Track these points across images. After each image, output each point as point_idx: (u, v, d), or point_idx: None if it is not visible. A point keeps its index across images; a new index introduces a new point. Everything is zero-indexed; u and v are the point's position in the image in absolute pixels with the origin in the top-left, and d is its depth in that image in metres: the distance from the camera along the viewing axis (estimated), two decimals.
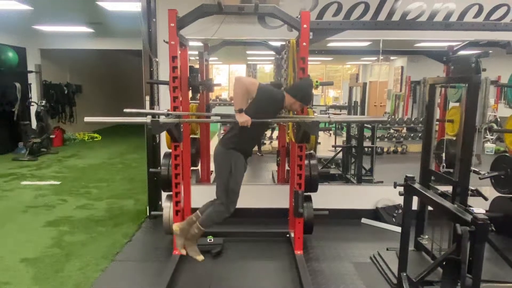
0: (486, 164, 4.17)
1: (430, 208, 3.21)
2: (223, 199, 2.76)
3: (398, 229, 3.74)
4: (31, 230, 3.90)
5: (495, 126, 6.09)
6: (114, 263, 3.22)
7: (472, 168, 2.93)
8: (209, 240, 3.44)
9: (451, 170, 3.29)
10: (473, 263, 1.85)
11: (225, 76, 8.64)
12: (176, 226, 2.88)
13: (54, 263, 3.20)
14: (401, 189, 2.68)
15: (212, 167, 4.74)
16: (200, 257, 2.84)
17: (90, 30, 7.26)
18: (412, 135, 6.64)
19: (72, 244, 3.59)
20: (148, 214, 4.25)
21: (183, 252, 2.87)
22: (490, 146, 6.67)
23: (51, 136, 8.22)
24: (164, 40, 3.45)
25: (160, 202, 4.20)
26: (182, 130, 3.17)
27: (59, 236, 3.77)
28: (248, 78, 2.72)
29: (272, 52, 4.47)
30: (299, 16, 2.94)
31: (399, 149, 6.76)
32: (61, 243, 3.61)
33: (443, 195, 2.97)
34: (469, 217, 1.92)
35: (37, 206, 4.62)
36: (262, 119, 2.70)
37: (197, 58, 4.42)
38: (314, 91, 5.79)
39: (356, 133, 5.16)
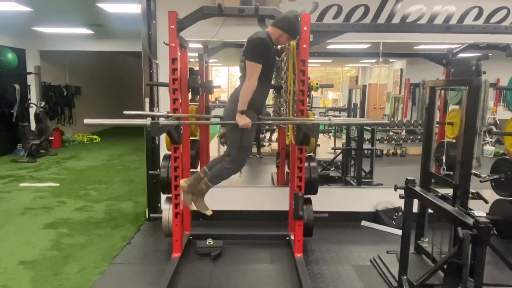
0: (486, 167, 4.17)
1: (430, 211, 3.21)
2: (235, 155, 2.78)
3: (398, 231, 3.75)
4: (30, 232, 3.88)
5: (494, 129, 6.10)
6: (113, 266, 3.21)
7: (473, 171, 2.93)
8: (209, 242, 3.43)
9: (451, 173, 3.29)
10: (475, 267, 1.84)
11: (225, 78, 8.63)
12: (183, 182, 2.90)
13: (53, 266, 3.18)
14: (402, 192, 2.67)
15: None
16: (209, 212, 2.89)
17: (90, 31, 7.26)
18: (411, 137, 6.64)
19: (70, 246, 3.58)
20: (147, 216, 4.24)
21: (191, 207, 2.91)
22: (489, 148, 6.66)
23: (50, 138, 8.19)
24: (164, 42, 3.44)
25: (159, 204, 4.18)
26: (181, 132, 3.16)
27: (58, 238, 3.75)
28: (251, 73, 2.66)
29: None
30: (299, 19, 2.93)
31: (399, 151, 6.75)
32: (59, 245, 3.60)
33: (444, 198, 2.96)
34: (470, 221, 1.91)
35: (35, 208, 4.60)
36: (267, 71, 2.69)
37: (197, 60, 4.41)
38: (314, 93, 5.80)
39: (356, 135, 5.16)
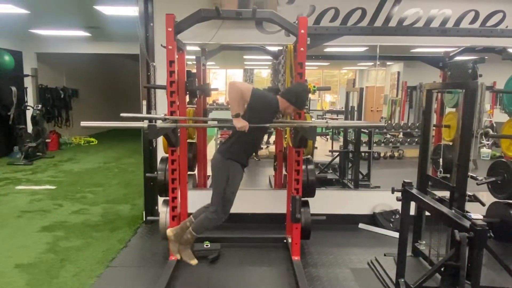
0: (482, 170, 4.18)
1: (427, 213, 3.22)
2: (217, 207, 2.77)
3: (396, 234, 3.74)
4: (26, 236, 3.86)
5: (491, 132, 6.12)
6: (109, 269, 3.19)
7: (470, 174, 2.94)
8: (206, 245, 3.42)
9: (448, 175, 3.30)
10: (472, 270, 1.84)
11: (222, 81, 8.64)
12: (170, 232, 2.91)
13: (49, 269, 3.17)
14: (399, 194, 2.67)
15: (209, 171, 4.74)
16: (194, 261, 2.88)
17: (87, 34, 7.25)
18: (408, 140, 6.65)
19: (67, 249, 3.56)
20: (144, 219, 4.22)
21: (178, 257, 2.91)
22: (486, 151, 6.70)
23: (46, 140, 8.16)
24: (161, 45, 3.44)
25: (156, 207, 4.17)
26: (179, 134, 3.16)
27: (54, 241, 3.73)
28: (242, 82, 2.73)
29: (270, 57, 4.47)
30: (296, 22, 2.94)
31: (396, 154, 6.76)
32: (56, 248, 3.58)
33: (441, 200, 2.97)
34: (467, 223, 1.91)
35: (32, 211, 4.58)
36: (258, 128, 2.71)
37: (195, 62, 4.42)
38: (311, 96, 5.82)
39: (353, 138, 5.17)
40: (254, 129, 2.68)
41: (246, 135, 2.67)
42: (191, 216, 2.92)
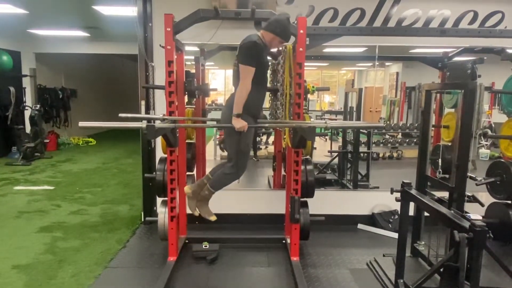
0: (481, 170, 4.19)
1: (426, 214, 3.21)
2: (234, 161, 2.81)
3: (395, 235, 3.75)
4: (24, 236, 3.85)
5: (489, 132, 6.13)
6: (108, 270, 3.18)
7: (469, 174, 2.93)
8: (205, 246, 3.41)
9: (447, 176, 3.30)
10: (471, 270, 1.84)
11: (221, 81, 8.63)
12: (188, 188, 2.96)
13: (47, 270, 3.15)
14: (398, 195, 2.67)
15: (208, 172, 4.73)
16: (213, 217, 2.93)
17: (86, 34, 7.24)
18: (407, 140, 6.65)
19: (65, 250, 3.55)
20: (142, 220, 4.21)
21: (196, 213, 2.95)
22: (484, 151, 6.71)
23: (45, 141, 8.14)
24: (160, 45, 3.43)
25: (155, 208, 4.16)
26: (177, 135, 3.15)
27: (52, 242, 3.72)
28: (245, 76, 2.69)
29: (269, 57, 4.46)
30: (295, 22, 2.94)
31: (395, 154, 6.77)
32: (54, 249, 3.56)
33: (440, 201, 2.97)
34: (467, 224, 1.91)
35: (30, 212, 4.56)
36: (261, 75, 2.73)
37: (193, 63, 4.41)
38: (310, 97, 5.81)
39: (352, 138, 5.17)
40: (258, 77, 2.67)
41: (252, 91, 2.64)
42: (208, 173, 2.97)
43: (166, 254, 3.27)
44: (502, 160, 3.59)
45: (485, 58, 3.47)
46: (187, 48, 3.48)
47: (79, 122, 2.63)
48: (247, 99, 2.69)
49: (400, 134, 6.57)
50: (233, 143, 2.80)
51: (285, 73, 3.34)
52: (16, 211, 4.59)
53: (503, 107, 4.16)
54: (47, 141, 8.40)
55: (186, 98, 3.45)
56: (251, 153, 6.41)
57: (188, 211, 3.31)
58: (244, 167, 2.87)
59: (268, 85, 4.13)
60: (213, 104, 6.92)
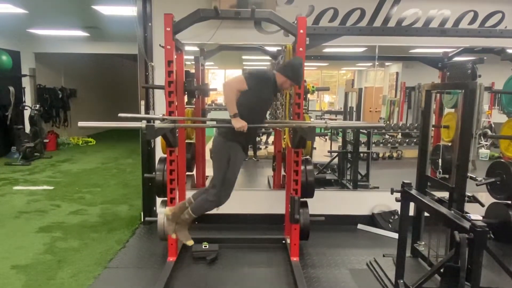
0: (481, 170, 4.19)
1: (426, 214, 3.21)
2: (218, 189, 2.77)
3: (394, 235, 3.75)
4: (23, 236, 3.84)
5: (489, 132, 6.12)
6: (107, 270, 3.17)
7: (469, 174, 2.93)
8: (204, 246, 3.40)
9: (447, 176, 3.29)
10: (472, 271, 1.84)
11: (221, 81, 8.63)
12: (168, 210, 2.89)
13: (46, 270, 3.15)
14: (398, 195, 2.67)
15: (208, 172, 4.72)
16: (190, 242, 2.88)
17: (86, 34, 7.23)
18: (407, 140, 6.66)
19: (64, 250, 3.54)
20: (142, 220, 4.21)
21: (174, 236, 2.90)
22: (484, 152, 6.71)
23: (44, 141, 8.14)
24: (160, 45, 3.43)
25: (154, 208, 4.15)
26: (177, 135, 3.14)
27: (52, 242, 3.71)
28: (233, 78, 2.70)
29: (268, 58, 4.46)
30: (295, 22, 2.93)
31: (395, 154, 6.76)
32: (53, 249, 3.56)
33: (440, 201, 2.97)
34: (467, 224, 1.90)
35: (29, 212, 4.55)
36: (259, 107, 2.73)
37: (193, 62, 4.41)
38: (310, 96, 5.81)
39: (352, 138, 5.16)
40: (254, 108, 2.68)
41: (246, 115, 2.65)
42: (190, 196, 2.92)
43: (165, 254, 3.26)
44: (502, 160, 3.59)
45: (485, 58, 3.48)
46: (187, 48, 3.48)
47: (79, 122, 2.63)
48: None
49: (400, 134, 6.57)
50: (221, 170, 2.75)
51: None
52: (15, 211, 4.58)
53: (503, 107, 4.16)
54: (47, 141, 8.40)
55: (185, 98, 3.45)
56: (251, 153, 6.44)
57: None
58: (228, 196, 2.81)
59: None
60: (213, 104, 6.91)
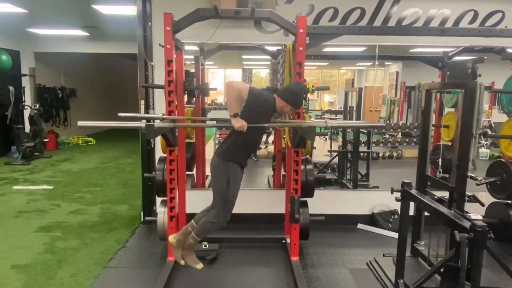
0: (481, 170, 4.18)
1: (426, 213, 3.21)
2: (218, 210, 2.74)
3: (395, 234, 3.74)
4: (23, 236, 3.84)
5: (489, 132, 6.12)
6: (107, 270, 3.17)
7: (469, 174, 2.93)
8: (204, 246, 3.40)
9: (447, 176, 3.29)
10: (472, 271, 1.83)
11: (221, 81, 8.63)
12: (172, 238, 2.87)
13: (46, 270, 3.14)
14: (398, 194, 2.66)
15: (208, 171, 4.72)
16: (200, 266, 2.85)
17: (85, 33, 7.23)
18: (407, 140, 6.66)
19: (64, 250, 3.54)
20: (142, 219, 4.20)
21: (182, 263, 2.86)
22: (484, 151, 6.71)
23: (44, 140, 8.13)
24: (159, 44, 3.42)
25: (154, 208, 4.15)
26: (177, 134, 3.14)
27: (51, 242, 3.71)
28: (239, 82, 2.70)
29: (268, 57, 4.46)
30: (295, 21, 2.93)
31: (395, 154, 6.77)
32: (53, 249, 3.55)
33: (440, 200, 2.96)
34: (467, 224, 1.90)
35: (29, 211, 4.55)
36: (256, 124, 2.68)
37: (193, 62, 4.40)
38: (310, 96, 5.81)
39: (352, 138, 5.16)
40: (252, 129, 2.66)
41: (244, 135, 2.64)
42: (192, 220, 2.89)
43: (165, 254, 3.26)
44: (502, 159, 3.59)
45: (485, 57, 3.48)
46: (186, 47, 3.47)
47: (78, 122, 2.62)
48: (239, 148, 2.70)
49: (400, 133, 6.57)
50: (220, 191, 2.73)
51: (285, 73, 3.33)
52: (15, 210, 4.57)
53: (503, 106, 4.15)
54: (47, 140, 8.38)
55: (185, 98, 3.44)
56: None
57: (188, 210, 3.31)
58: (228, 216, 2.79)
59: (268, 84, 4.14)
60: (213, 103, 6.92)
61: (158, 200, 3.66)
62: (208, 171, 4.73)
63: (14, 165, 7.03)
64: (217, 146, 2.88)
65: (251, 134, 2.69)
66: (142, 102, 4.02)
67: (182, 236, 2.86)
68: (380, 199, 4.23)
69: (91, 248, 3.58)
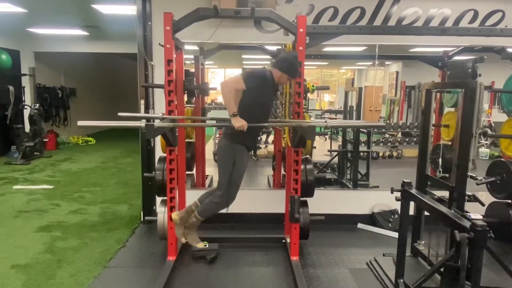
0: (481, 169, 4.18)
1: (426, 213, 3.21)
2: (224, 191, 2.77)
3: (394, 234, 3.74)
4: (23, 236, 3.83)
5: (489, 131, 6.12)
6: (107, 269, 3.17)
7: (469, 173, 2.92)
8: (204, 245, 3.39)
9: (447, 175, 3.29)
10: (472, 270, 1.83)
11: (221, 80, 8.61)
12: (175, 215, 2.91)
13: (46, 270, 3.14)
14: (398, 194, 2.66)
15: (208, 171, 4.72)
16: (201, 245, 2.91)
17: (85, 33, 7.22)
18: (407, 139, 6.67)
19: (64, 249, 3.53)
20: (142, 219, 4.20)
21: (183, 240, 2.92)
22: (484, 151, 6.71)
23: (44, 140, 8.13)
24: (159, 44, 3.42)
25: (154, 207, 4.15)
26: (177, 134, 3.14)
27: (51, 241, 3.71)
28: (231, 78, 2.70)
29: (268, 57, 4.45)
30: (295, 20, 2.93)
31: (395, 153, 6.77)
32: (53, 248, 3.55)
33: (440, 200, 2.96)
34: (467, 224, 1.90)
35: (29, 211, 4.55)
36: (261, 107, 2.73)
37: (193, 62, 4.40)
38: (310, 96, 5.81)
39: (352, 137, 5.16)
40: (258, 108, 2.68)
41: (250, 116, 2.65)
42: (196, 200, 2.93)
43: (165, 253, 3.26)
44: (502, 159, 3.59)
45: (485, 57, 3.47)
46: (186, 47, 3.47)
47: (78, 121, 2.62)
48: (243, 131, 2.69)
49: (400, 133, 6.58)
50: (226, 172, 2.76)
51: None
52: (15, 210, 4.57)
53: (503, 106, 4.15)
54: (47, 140, 8.39)
55: (185, 97, 3.44)
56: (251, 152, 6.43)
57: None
58: (234, 197, 2.81)
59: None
60: (213, 103, 6.91)
61: (158, 199, 3.66)
62: (208, 171, 4.74)
63: (14, 165, 7.02)
64: (224, 129, 2.88)
65: (256, 114, 2.71)
66: (142, 101, 4.02)
67: (185, 214, 2.90)
68: (380, 198, 4.23)
69: (91, 248, 3.58)
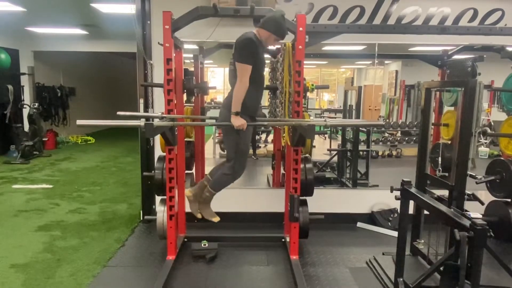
0: (481, 168, 4.18)
1: (426, 212, 3.21)
2: (233, 162, 2.81)
3: (394, 233, 3.75)
4: (22, 235, 3.83)
5: (489, 130, 6.13)
6: (106, 269, 3.17)
7: (469, 173, 2.92)
8: (204, 245, 3.40)
9: (447, 174, 3.29)
10: (471, 269, 1.83)
11: (220, 79, 8.60)
12: (188, 192, 2.96)
13: (45, 269, 3.14)
14: (398, 193, 2.66)
15: (207, 170, 4.72)
16: (216, 219, 2.96)
17: (84, 32, 7.22)
18: (406, 138, 6.67)
19: (63, 249, 3.53)
20: (141, 218, 4.20)
21: (199, 215, 2.96)
22: (484, 150, 6.69)
23: (43, 139, 8.12)
24: (158, 43, 3.42)
25: (154, 206, 4.15)
26: (176, 133, 3.13)
27: (51, 241, 3.70)
28: (243, 75, 2.67)
29: (268, 55, 4.44)
30: (295, 19, 2.92)
31: (394, 152, 6.77)
32: (52, 248, 3.55)
33: (440, 199, 2.96)
34: (467, 222, 1.90)
35: (28, 210, 4.55)
36: (259, 73, 2.73)
37: (192, 61, 4.39)
38: (309, 95, 5.80)
39: (351, 136, 5.16)
40: (256, 75, 2.67)
41: (249, 90, 2.63)
42: (207, 174, 2.98)
43: (165, 252, 3.26)
44: (502, 158, 3.58)
45: (484, 56, 3.47)
46: (186, 46, 3.46)
47: (77, 121, 2.61)
48: (244, 98, 2.67)
49: (399, 132, 6.58)
50: (232, 144, 2.80)
51: (284, 71, 3.32)
52: (14, 209, 4.57)
53: (502, 105, 4.15)
54: (46, 139, 8.37)
55: (184, 96, 3.44)
56: (250, 151, 6.43)
57: (188, 209, 3.30)
58: (244, 167, 2.88)
59: (267, 83, 4.14)
60: (212, 102, 6.90)
61: (158, 199, 3.66)
62: (207, 170, 4.73)
63: (13, 164, 7.02)
64: (224, 100, 2.88)
65: (255, 89, 2.72)
66: (141, 100, 4.02)
67: (198, 190, 2.95)
68: (380, 197, 4.23)
69: (90, 247, 3.57)
